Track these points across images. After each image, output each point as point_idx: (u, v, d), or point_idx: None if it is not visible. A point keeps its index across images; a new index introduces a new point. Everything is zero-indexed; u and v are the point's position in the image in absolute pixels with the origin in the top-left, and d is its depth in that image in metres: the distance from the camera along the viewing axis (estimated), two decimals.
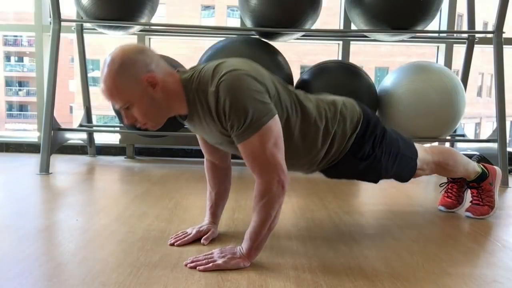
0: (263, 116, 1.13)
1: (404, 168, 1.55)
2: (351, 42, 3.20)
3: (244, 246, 1.22)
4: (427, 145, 1.70)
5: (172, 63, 2.75)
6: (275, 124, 1.16)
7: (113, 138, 3.37)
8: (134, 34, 3.02)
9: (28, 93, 27.07)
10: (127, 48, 1.13)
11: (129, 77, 1.11)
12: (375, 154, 1.41)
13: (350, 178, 1.52)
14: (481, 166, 1.77)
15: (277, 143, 1.16)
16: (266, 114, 1.13)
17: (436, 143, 1.79)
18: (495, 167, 1.82)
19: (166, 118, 1.22)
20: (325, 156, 1.37)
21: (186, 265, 1.19)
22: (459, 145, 3.11)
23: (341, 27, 3.24)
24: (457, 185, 1.88)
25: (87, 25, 3.01)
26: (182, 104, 1.21)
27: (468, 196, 1.88)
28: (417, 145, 1.61)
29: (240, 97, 1.11)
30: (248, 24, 2.68)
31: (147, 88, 1.13)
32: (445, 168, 1.68)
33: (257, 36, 2.76)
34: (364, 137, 1.39)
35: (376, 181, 1.52)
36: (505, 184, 2.52)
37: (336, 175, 1.49)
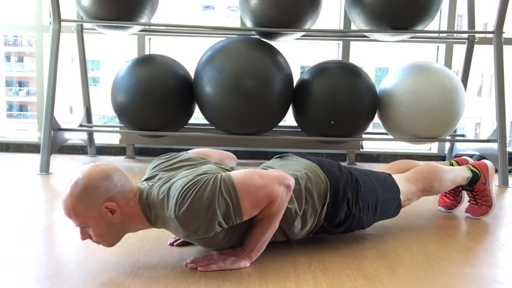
0: (228, 188, 1.10)
1: (388, 212, 1.51)
2: (351, 42, 3.21)
3: (246, 246, 1.22)
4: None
5: (173, 64, 2.75)
6: (237, 174, 1.14)
7: (113, 138, 3.37)
8: (134, 34, 3.02)
9: (28, 93, 27.05)
10: (93, 173, 1.11)
11: (89, 203, 1.10)
12: (352, 214, 1.38)
13: (337, 233, 1.47)
14: (470, 168, 1.72)
15: (253, 176, 1.14)
16: (226, 185, 1.10)
17: (422, 162, 1.70)
18: (485, 162, 1.75)
19: (123, 237, 1.20)
20: (300, 233, 1.33)
21: (186, 265, 1.19)
22: (459, 145, 3.11)
23: (341, 27, 3.25)
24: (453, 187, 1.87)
25: (87, 25, 3.01)
26: (145, 224, 1.18)
27: (466, 194, 1.87)
28: (398, 177, 1.55)
29: (205, 215, 1.08)
30: (248, 24, 2.68)
31: (106, 214, 1.11)
32: (431, 191, 1.63)
33: (257, 36, 2.76)
34: (337, 205, 1.35)
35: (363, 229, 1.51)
36: (505, 184, 2.52)
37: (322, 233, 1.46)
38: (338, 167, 1.42)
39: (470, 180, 1.71)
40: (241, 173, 1.16)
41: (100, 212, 1.11)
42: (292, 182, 1.21)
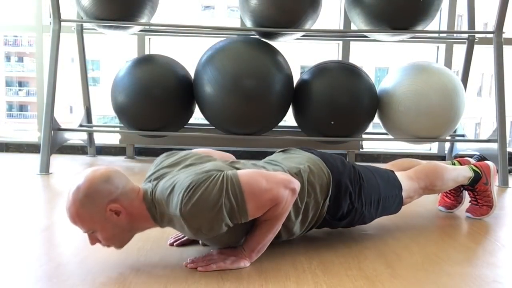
0: (234, 189, 1.10)
1: (389, 208, 1.51)
2: (351, 42, 3.21)
3: (247, 246, 1.22)
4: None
5: (173, 64, 2.75)
6: (244, 175, 1.14)
7: (113, 138, 3.37)
8: (134, 34, 3.02)
9: (28, 93, 27.05)
10: (92, 177, 1.11)
11: (93, 208, 1.10)
12: (355, 208, 1.38)
13: (339, 227, 1.47)
14: (472, 168, 1.73)
15: (259, 179, 1.14)
16: (233, 185, 1.10)
17: (424, 162, 1.70)
18: (487, 163, 1.76)
19: (132, 237, 1.21)
20: (301, 227, 1.33)
21: (186, 265, 1.19)
22: (459, 145, 3.11)
23: (341, 27, 3.24)
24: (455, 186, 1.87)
25: (87, 25, 3.01)
26: (150, 223, 1.18)
27: (467, 194, 1.87)
28: (400, 174, 1.56)
29: (210, 214, 1.08)
30: (248, 24, 2.68)
31: (111, 216, 1.11)
32: (433, 190, 1.63)
33: (257, 36, 2.76)
34: (339, 198, 1.34)
35: (364, 224, 1.51)
36: (505, 184, 2.52)
37: (325, 227, 1.45)
38: (341, 162, 1.42)
39: (472, 179, 1.71)
40: (248, 174, 1.15)
41: (105, 216, 1.11)
42: (297, 186, 1.21)
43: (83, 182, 1.11)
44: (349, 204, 1.37)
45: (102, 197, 1.10)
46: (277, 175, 1.20)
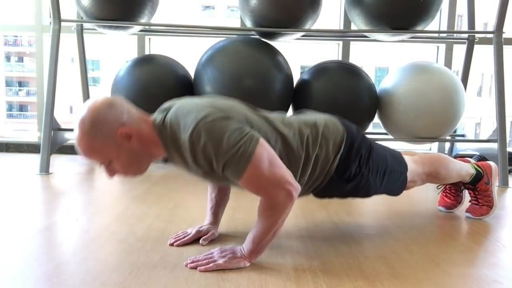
0: (248, 147, 1.10)
1: (393, 184, 1.51)
2: (351, 42, 3.21)
3: (245, 247, 1.22)
4: (419, 151, 1.65)
5: (173, 64, 2.75)
6: (263, 147, 1.14)
7: None
8: (134, 34, 3.02)
9: (28, 93, 27.05)
10: (95, 106, 1.10)
11: (103, 136, 1.09)
12: (362, 173, 1.38)
13: (340, 197, 1.48)
14: (475, 166, 1.74)
15: (272, 162, 1.14)
16: (250, 144, 1.10)
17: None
18: (490, 163, 1.77)
19: (149, 165, 1.20)
20: (308, 181, 1.33)
21: (186, 265, 1.19)
22: (459, 145, 3.11)
23: (341, 27, 3.24)
24: (454, 186, 1.87)
25: (87, 25, 3.01)
26: (160, 149, 1.19)
27: (467, 194, 1.87)
28: (406, 157, 1.57)
29: (220, 142, 1.08)
30: (248, 24, 2.68)
31: (123, 142, 1.11)
32: (437, 178, 1.64)
33: (257, 36, 2.76)
34: (349, 158, 1.35)
35: (367, 197, 1.52)
36: (505, 184, 2.52)
37: (326, 196, 1.45)
38: (356, 128, 1.44)
39: (474, 178, 1.72)
40: (262, 152, 1.12)
41: (117, 142, 1.10)
42: (296, 190, 1.17)
43: (86, 112, 1.09)
44: (357, 168, 1.37)
45: (110, 123, 1.09)
46: (282, 171, 1.17)
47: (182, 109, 1.15)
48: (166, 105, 1.25)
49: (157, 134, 1.16)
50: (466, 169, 1.71)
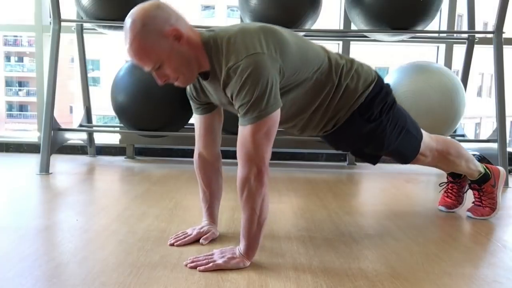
0: (267, 108, 1.13)
1: (407, 146, 1.53)
2: (351, 42, 3.20)
3: (241, 246, 1.23)
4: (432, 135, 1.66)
5: None
6: (274, 117, 1.16)
7: (113, 138, 3.37)
8: None
9: (28, 93, 27.06)
10: (143, 8, 1.11)
11: (154, 36, 1.10)
12: (381, 119, 1.41)
13: (352, 144, 1.50)
14: (485, 167, 1.75)
15: (269, 134, 1.16)
16: (270, 107, 1.13)
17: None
18: (499, 167, 1.79)
19: (196, 73, 1.23)
20: (334, 109, 1.37)
21: (186, 265, 1.19)
22: None
23: (341, 27, 3.24)
24: (457, 185, 1.87)
25: (87, 25, 3.01)
26: (205, 59, 1.20)
27: (469, 196, 1.87)
28: (423, 130, 1.60)
29: (254, 85, 1.11)
30: None
31: (173, 42, 1.12)
32: (447, 158, 1.65)
33: None
34: (374, 100, 1.39)
35: (375, 161, 1.55)
36: (505, 184, 2.51)
37: (340, 139, 1.49)
38: (387, 83, 1.48)
39: (481, 177, 1.74)
40: (270, 121, 1.15)
41: (168, 43, 1.12)
42: (266, 174, 1.16)
43: (136, 14, 1.10)
44: (378, 113, 1.41)
45: (161, 23, 1.11)
46: (268, 150, 1.17)
47: (234, 38, 1.16)
48: (211, 29, 1.26)
49: (203, 46, 1.18)
50: (476, 164, 1.73)
